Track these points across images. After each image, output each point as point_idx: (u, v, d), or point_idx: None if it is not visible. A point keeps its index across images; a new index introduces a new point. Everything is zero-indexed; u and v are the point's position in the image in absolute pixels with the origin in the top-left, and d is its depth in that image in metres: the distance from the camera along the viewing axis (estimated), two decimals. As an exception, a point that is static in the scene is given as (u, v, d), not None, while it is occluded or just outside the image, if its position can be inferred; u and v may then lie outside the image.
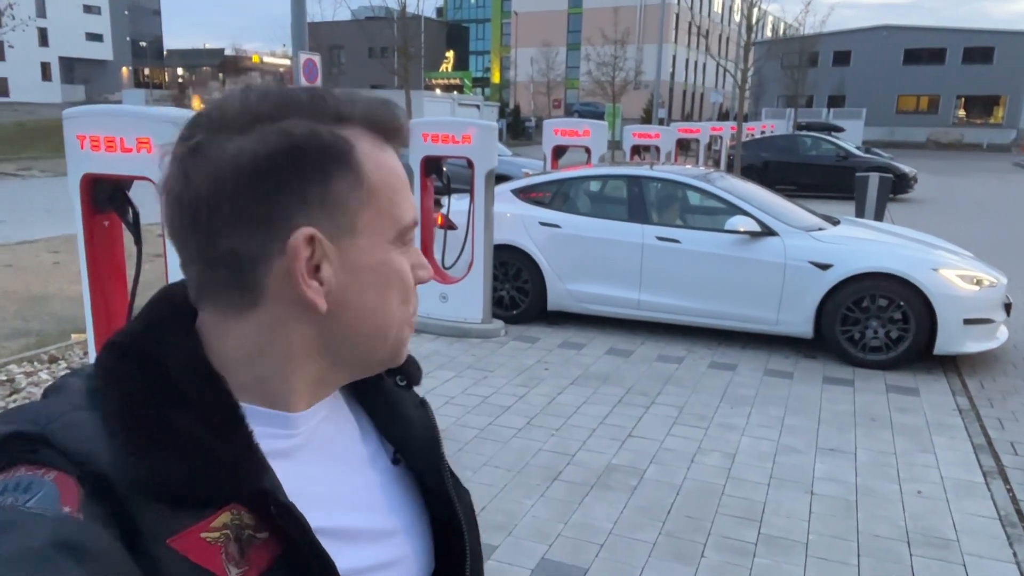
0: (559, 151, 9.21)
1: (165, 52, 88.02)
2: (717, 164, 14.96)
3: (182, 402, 0.60)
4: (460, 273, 6.36)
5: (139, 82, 78.32)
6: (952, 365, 5.57)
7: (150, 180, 3.06)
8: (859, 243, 5.75)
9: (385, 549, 0.71)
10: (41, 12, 59.18)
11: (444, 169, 6.27)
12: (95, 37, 68.05)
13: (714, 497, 3.61)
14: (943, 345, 5.31)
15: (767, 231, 5.75)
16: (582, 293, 6.32)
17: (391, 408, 0.79)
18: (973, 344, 5.38)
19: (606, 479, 3.78)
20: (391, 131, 0.67)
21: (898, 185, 15.60)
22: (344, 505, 0.69)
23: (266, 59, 73.55)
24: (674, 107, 49.84)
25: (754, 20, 13.79)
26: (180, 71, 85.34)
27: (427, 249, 6.41)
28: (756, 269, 5.73)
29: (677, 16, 58.81)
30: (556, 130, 9.13)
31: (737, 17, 69.14)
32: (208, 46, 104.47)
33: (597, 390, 5.02)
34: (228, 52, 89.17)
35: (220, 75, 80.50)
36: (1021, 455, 4.17)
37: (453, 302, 6.26)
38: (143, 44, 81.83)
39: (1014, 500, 3.65)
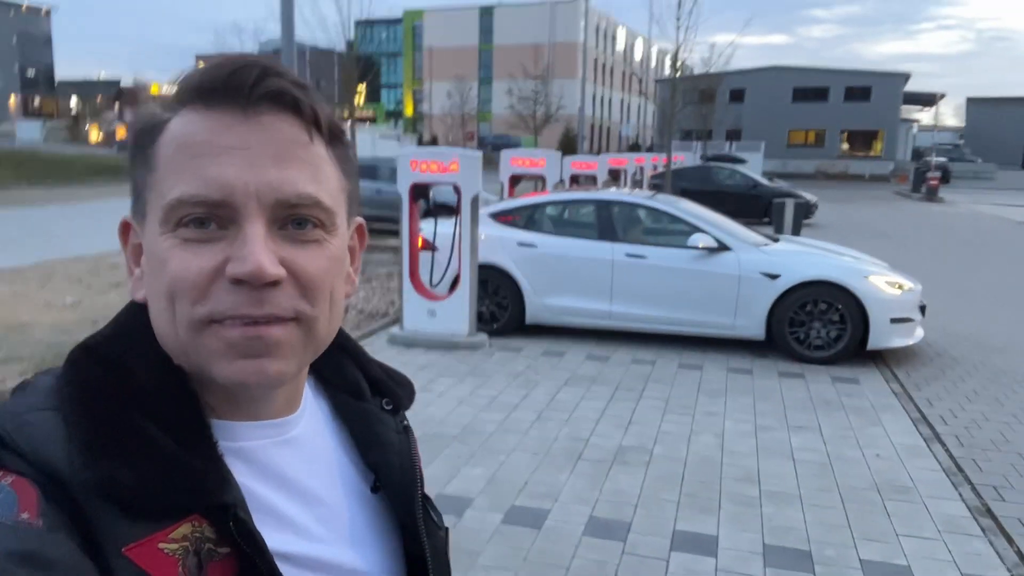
0: (516, 180, 9.86)
1: (57, 82, 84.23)
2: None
3: (145, 407, 0.57)
4: (444, 291, 6.86)
5: (28, 112, 74.54)
6: (881, 359, 6.49)
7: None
8: (802, 256, 6.64)
9: None
10: (-80, 37, 55.79)
11: (431, 195, 6.79)
12: (-21, 65, 64.56)
13: (716, 466, 4.26)
14: (874, 341, 6.21)
15: (723, 247, 6.55)
16: (558, 306, 6.94)
17: (373, 432, 0.74)
18: (898, 340, 6.31)
19: (622, 457, 4.37)
20: (215, 91, 0.57)
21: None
22: (311, 532, 0.65)
23: (166, 89, 71.63)
24: (586, 140, 51.85)
25: (678, 63, 15.10)
26: (73, 101, 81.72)
27: (414, 270, 6.88)
28: (714, 280, 6.50)
29: (584, 54, 61.29)
30: (514, 160, 9.79)
31: (638, 56, 72.65)
32: (103, 76, 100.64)
33: (589, 388, 5.62)
34: (126, 82, 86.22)
35: (116, 105, 77.69)
36: (950, 424, 5.04)
37: (441, 317, 6.74)
38: (31, 74, 78.08)
39: (951, 457, 4.47)
